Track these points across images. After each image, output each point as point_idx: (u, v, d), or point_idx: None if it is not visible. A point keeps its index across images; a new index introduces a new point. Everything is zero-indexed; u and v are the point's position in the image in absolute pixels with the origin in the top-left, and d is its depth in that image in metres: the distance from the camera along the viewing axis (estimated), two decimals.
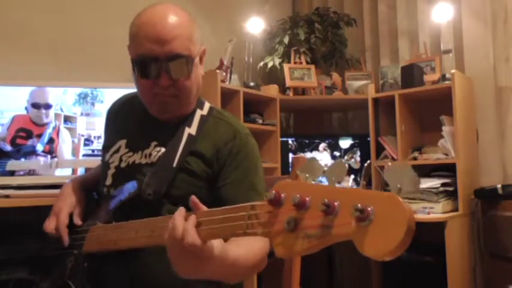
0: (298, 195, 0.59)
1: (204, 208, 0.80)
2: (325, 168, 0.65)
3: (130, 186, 1.07)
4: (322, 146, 3.07)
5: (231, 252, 0.84)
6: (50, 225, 1.12)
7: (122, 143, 1.17)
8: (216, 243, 0.79)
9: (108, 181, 1.15)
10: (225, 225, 0.72)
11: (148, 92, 1.09)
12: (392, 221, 0.51)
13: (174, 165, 1.08)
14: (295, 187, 0.62)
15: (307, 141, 3.08)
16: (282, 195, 0.62)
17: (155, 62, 1.04)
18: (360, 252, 0.53)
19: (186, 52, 1.05)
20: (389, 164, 0.60)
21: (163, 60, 1.03)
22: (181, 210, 0.80)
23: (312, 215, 0.58)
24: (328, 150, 3.07)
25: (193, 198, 0.82)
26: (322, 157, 3.06)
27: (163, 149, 1.11)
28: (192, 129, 1.13)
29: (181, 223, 0.76)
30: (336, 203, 0.56)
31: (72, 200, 1.17)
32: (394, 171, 0.58)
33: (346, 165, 0.64)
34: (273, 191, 0.63)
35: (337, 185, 0.63)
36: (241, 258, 0.88)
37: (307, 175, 0.66)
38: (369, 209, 0.53)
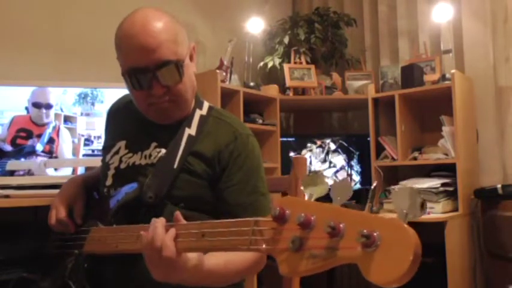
0: (303, 215, 0.59)
1: (184, 222, 0.84)
2: (329, 186, 0.65)
3: (130, 188, 1.07)
4: (318, 145, 3.07)
5: (208, 262, 0.88)
6: (51, 218, 1.12)
7: (122, 144, 1.17)
8: (192, 256, 0.83)
9: (108, 182, 1.15)
10: (229, 238, 0.72)
11: (143, 102, 1.08)
12: (399, 249, 0.51)
13: (175, 166, 1.07)
14: (299, 204, 0.62)
15: (307, 140, 3.09)
16: (287, 212, 0.62)
17: (145, 73, 1.02)
18: (366, 278, 0.52)
19: (173, 57, 1.03)
20: (396, 188, 0.60)
21: (152, 69, 1.01)
22: (161, 221, 0.83)
23: (317, 235, 0.58)
24: (323, 151, 3.07)
25: (177, 214, 0.85)
26: (318, 156, 3.06)
27: (163, 150, 1.11)
28: (192, 130, 1.13)
29: (162, 235, 0.80)
30: (341, 225, 0.55)
31: (71, 193, 1.17)
32: (400, 196, 0.57)
33: (352, 185, 0.64)
34: (277, 208, 0.62)
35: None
36: (218, 269, 0.92)
37: (311, 193, 0.65)
38: (375, 234, 0.52)
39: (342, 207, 0.59)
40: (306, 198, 0.67)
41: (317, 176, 0.67)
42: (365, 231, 0.52)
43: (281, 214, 0.62)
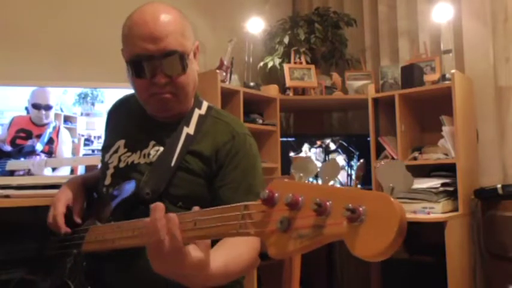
0: (290, 195, 0.58)
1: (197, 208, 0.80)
2: (319, 168, 0.65)
3: (128, 186, 1.07)
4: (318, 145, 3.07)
5: (213, 264, 0.82)
6: (49, 216, 1.13)
7: (121, 143, 1.18)
8: (195, 252, 0.78)
9: (107, 181, 1.15)
10: (218, 224, 0.72)
11: (145, 92, 1.09)
12: (384, 221, 0.51)
13: (172, 164, 1.08)
14: (288, 186, 0.62)
15: (307, 141, 3.09)
16: (276, 194, 0.62)
17: (150, 61, 1.04)
18: (351, 252, 0.52)
19: (180, 48, 1.06)
20: (382, 162, 0.60)
21: (157, 58, 1.03)
22: (161, 207, 0.79)
23: (304, 214, 0.57)
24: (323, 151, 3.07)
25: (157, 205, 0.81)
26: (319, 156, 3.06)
27: (161, 149, 1.12)
28: (190, 129, 1.13)
29: (165, 225, 0.76)
30: (328, 203, 0.55)
31: (71, 193, 1.17)
32: (386, 170, 0.57)
33: (340, 164, 0.64)
34: (267, 191, 0.62)
35: (330, 184, 0.62)
36: (219, 272, 0.87)
37: (301, 174, 0.65)
38: (361, 209, 0.52)
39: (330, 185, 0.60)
40: (296, 180, 0.67)
41: (307, 160, 0.67)
42: (350, 205, 0.52)
43: (270, 197, 0.62)
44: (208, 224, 0.74)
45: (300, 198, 0.58)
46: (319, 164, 2.83)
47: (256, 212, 0.65)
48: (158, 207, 0.78)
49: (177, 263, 0.76)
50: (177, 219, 0.76)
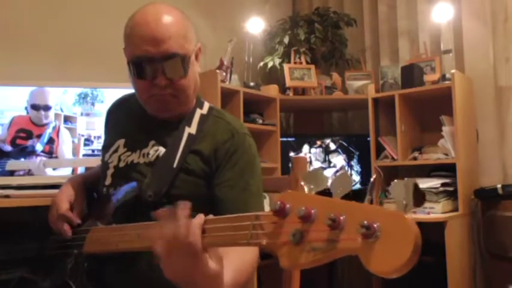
0: (303, 208, 0.58)
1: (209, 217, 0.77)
2: (330, 180, 0.65)
3: (129, 187, 1.07)
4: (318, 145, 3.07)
5: (225, 277, 0.78)
6: (52, 216, 1.12)
7: (121, 142, 1.17)
8: (215, 264, 0.74)
9: (108, 181, 1.15)
10: (228, 233, 0.71)
11: (145, 92, 1.09)
12: (399, 239, 0.51)
13: (175, 165, 1.07)
14: (300, 198, 0.62)
15: (307, 141, 3.09)
16: (287, 205, 0.62)
17: (151, 63, 1.03)
18: (366, 268, 0.52)
19: (181, 51, 1.05)
20: (396, 180, 0.61)
21: (158, 60, 1.03)
22: (185, 209, 0.75)
23: (318, 228, 0.58)
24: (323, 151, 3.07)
25: (185, 204, 0.78)
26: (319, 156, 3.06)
27: (161, 148, 1.11)
28: (192, 129, 1.13)
29: (187, 224, 0.72)
30: (341, 217, 0.55)
31: (71, 193, 1.17)
32: (399, 187, 0.57)
33: (352, 178, 0.64)
34: (278, 202, 0.62)
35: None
36: (227, 283, 0.83)
37: (311, 186, 0.65)
38: (375, 225, 0.52)
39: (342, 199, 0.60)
40: (306, 192, 0.67)
41: (317, 172, 0.67)
42: (365, 222, 0.52)
43: (281, 208, 0.62)
44: (218, 232, 0.73)
45: (313, 211, 0.58)
46: (319, 164, 2.82)
47: (267, 223, 0.65)
48: (184, 205, 0.75)
49: (193, 267, 0.72)
50: (201, 219, 0.74)
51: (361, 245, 0.53)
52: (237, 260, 0.90)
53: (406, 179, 0.57)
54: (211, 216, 0.77)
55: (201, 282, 0.73)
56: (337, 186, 0.63)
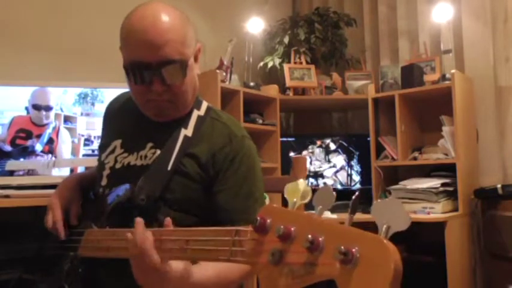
0: (282, 227, 0.57)
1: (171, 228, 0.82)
2: (311, 194, 0.64)
3: (123, 190, 1.05)
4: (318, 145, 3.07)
5: (197, 275, 0.85)
6: (48, 220, 1.11)
7: (118, 143, 1.16)
8: (178, 266, 0.81)
9: (104, 182, 1.13)
10: (209, 248, 0.71)
11: (142, 97, 1.07)
12: (378, 267, 0.49)
13: (169, 168, 1.05)
14: (280, 214, 0.60)
15: (307, 140, 3.09)
16: (268, 221, 0.60)
17: (148, 69, 1.00)
18: None
19: (178, 57, 1.01)
20: (378, 200, 0.58)
21: (155, 66, 1.00)
22: (141, 224, 0.82)
23: (296, 249, 0.56)
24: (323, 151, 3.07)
25: (167, 221, 0.83)
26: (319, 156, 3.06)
27: (158, 151, 1.09)
28: (188, 131, 1.11)
29: (141, 239, 0.79)
30: (320, 239, 0.54)
31: (67, 195, 1.15)
32: (382, 208, 0.55)
33: (334, 193, 0.62)
34: (258, 218, 0.61)
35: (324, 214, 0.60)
36: (209, 282, 0.89)
37: (294, 199, 0.64)
38: (354, 250, 0.51)
39: (323, 218, 0.58)
40: (289, 206, 0.66)
41: (299, 183, 0.66)
42: (342, 247, 0.51)
43: (261, 224, 0.60)
44: (200, 246, 0.73)
45: (292, 229, 0.57)
46: (319, 164, 2.81)
47: (247, 240, 0.64)
48: (138, 223, 0.82)
49: (157, 279, 0.79)
50: (151, 238, 0.79)
51: (338, 271, 0.51)
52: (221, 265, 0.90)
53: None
54: (192, 228, 0.78)
55: (169, 286, 0.81)
56: (319, 202, 0.62)
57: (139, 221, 0.82)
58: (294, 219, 0.58)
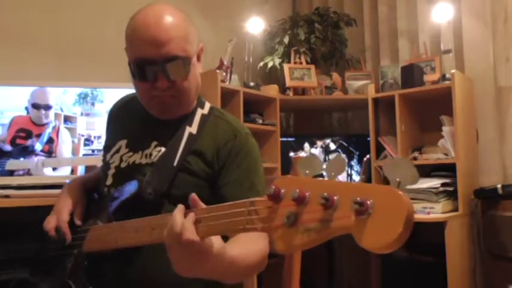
0: (297, 190, 0.59)
1: (203, 205, 0.80)
2: (325, 164, 0.66)
3: (130, 186, 1.07)
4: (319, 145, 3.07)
5: (230, 251, 0.83)
6: (49, 223, 1.11)
7: (123, 143, 1.17)
8: (215, 241, 0.78)
9: (109, 181, 1.15)
10: (225, 221, 0.72)
11: (146, 94, 1.09)
12: (391, 214, 0.51)
13: (175, 164, 1.07)
14: (294, 183, 0.62)
15: (307, 140, 3.09)
16: (282, 190, 0.62)
17: (152, 65, 1.03)
18: (359, 244, 0.53)
19: (182, 53, 1.05)
20: (390, 159, 0.61)
21: (160, 62, 1.03)
22: (180, 208, 0.79)
23: (311, 209, 0.58)
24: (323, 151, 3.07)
25: (193, 195, 0.81)
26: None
27: (163, 149, 1.11)
28: (192, 128, 1.13)
29: (180, 220, 0.76)
30: (335, 197, 0.56)
31: (73, 199, 1.16)
32: (394, 166, 0.58)
33: (346, 160, 0.64)
34: (273, 186, 0.63)
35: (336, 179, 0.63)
36: (240, 257, 0.87)
37: (307, 171, 0.66)
38: (368, 202, 0.53)
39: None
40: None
41: (311, 157, 0.68)
42: (358, 198, 0.53)
43: (276, 193, 0.62)
44: (213, 221, 0.74)
45: (307, 194, 0.59)
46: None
47: (262, 208, 0.66)
48: (179, 208, 0.79)
49: (197, 258, 0.75)
50: (193, 216, 0.77)
51: (354, 222, 0.53)
52: (248, 243, 0.91)
53: (399, 157, 0.57)
54: (205, 206, 0.78)
55: (209, 264, 0.77)
56: (331, 170, 0.64)
57: (181, 207, 0.79)
58: (308, 184, 0.60)
